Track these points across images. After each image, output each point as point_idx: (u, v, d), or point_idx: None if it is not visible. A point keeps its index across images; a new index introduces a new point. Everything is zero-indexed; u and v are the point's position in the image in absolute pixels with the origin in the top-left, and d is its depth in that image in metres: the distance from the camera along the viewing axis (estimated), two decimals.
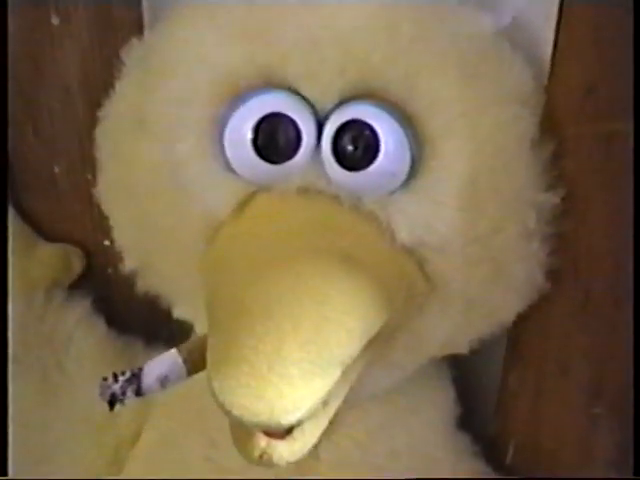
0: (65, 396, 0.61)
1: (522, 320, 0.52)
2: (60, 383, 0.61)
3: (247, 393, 0.38)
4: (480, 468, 0.57)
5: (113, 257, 0.56)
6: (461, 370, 0.59)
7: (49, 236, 0.63)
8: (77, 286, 0.63)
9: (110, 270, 0.63)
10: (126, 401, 0.42)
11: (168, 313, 0.55)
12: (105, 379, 0.42)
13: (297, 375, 0.38)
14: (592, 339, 0.52)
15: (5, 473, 0.49)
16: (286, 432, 0.42)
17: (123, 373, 0.42)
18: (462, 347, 0.52)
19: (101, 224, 0.57)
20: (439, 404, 0.58)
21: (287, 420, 0.38)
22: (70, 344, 0.61)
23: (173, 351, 0.43)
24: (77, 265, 0.63)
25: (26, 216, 0.63)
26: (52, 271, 0.62)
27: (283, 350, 0.38)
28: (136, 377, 0.42)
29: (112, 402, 0.42)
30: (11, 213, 0.61)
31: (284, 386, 0.38)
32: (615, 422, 0.53)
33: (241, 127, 0.44)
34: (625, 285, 0.50)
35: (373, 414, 0.55)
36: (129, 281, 0.53)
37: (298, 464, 0.47)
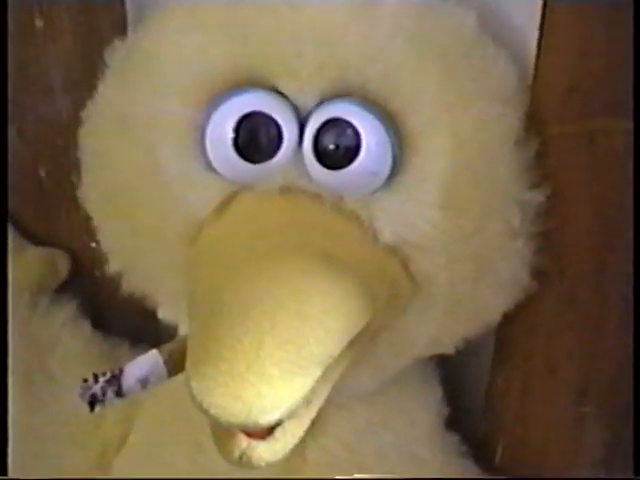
0: (50, 399, 0.60)
1: (509, 320, 0.52)
2: (45, 386, 0.60)
3: (225, 393, 0.37)
4: (468, 468, 0.57)
5: (99, 259, 0.56)
6: (449, 370, 0.59)
7: (35, 239, 0.63)
8: (63, 289, 0.63)
9: (96, 272, 0.62)
10: (107, 402, 0.42)
11: (154, 315, 0.55)
12: (85, 380, 0.42)
13: (276, 375, 0.38)
14: (579, 338, 0.52)
15: (5, 473, 0.49)
16: (267, 432, 0.42)
17: (104, 374, 0.42)
18: (448, 347, 0.52)
19: (87, 226, 0.56)
20: (426, 404, 0.57)
21: (265, 420, 0.38)
22: (56, 347, 0.61)
23: (154, 352, 0.43)
24: (63, 269, 0.63)
25: (11, 219, 0.63)
26: (38, 275, 0.62)
27: (262, 349, 0.38)
28: (116, 378, 0.42)
29: (92, 403, 0.42)
30: None
31: (262, 386, 0.37)
32: (603, 420, 0.53)
33: (222, 127, 0.44)
34: (610, 283, 0.50)
35: (360, 414, 0.55)
36: (115, 283, 0.53)
37: (285, 465, 0.47)
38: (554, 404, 0.55)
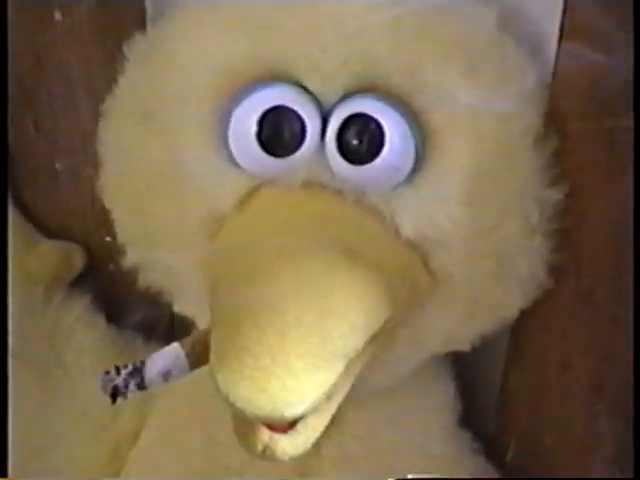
0: (65, 392, 0.60)
1: (523, 317, 0.52)
2: (60, 379, 0.61)
3: (250, 385, 0.37)
4: (481, 465, 0.57)
5: (114, 253, 0.56)
6: (462, 367, 0.59)
7: (50, 232, 0.63)
8: (78, 282, 0.63)
9: (111, 266, 0.62)
10: (129, 394, 0.42)
11: (168, 309, 0.55)
12: (107, 372, 0.42)
13: (301, 368, 0.38)
14: (593, 336, 0.52)
15: (5, 474, 0.49)
16: (289, 426, 0.42)
17: (126, 366, 0.42)
18: (464, 343, 0.52)
19: (102, 220, 0.57)
20: (440, 401, 0.58)
21: (290, 413, 0.38)
22: (70, 340, 0.61)
23: (176, 345, 0.43)
24: (78, 262, 0.63)
25: (27, 212, 0.63)
26: (52, 268, 0.62)
27: (286, 342, 0.38)
28: (139, 371, 0.42)
29: (114, 395, 0.42)
30: (12, 209, 0.61)
31: (288, 378, 0.38)
32: (616, 419, 0.53)
33: (245, 121, 0.44)
34: (627, 281, 0.50)
35: (374, 411, 0.55)
36: (130, 277, 0.53)
37: (299, 460, 0.47)
38: (568, 402, 0.55)
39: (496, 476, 0.58)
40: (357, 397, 0.48)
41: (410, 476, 0.50)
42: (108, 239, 0.61)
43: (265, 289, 0.40)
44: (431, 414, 0.57)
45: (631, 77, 0.45)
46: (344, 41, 0.44)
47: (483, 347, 0.53)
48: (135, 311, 0.63)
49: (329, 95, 0.45)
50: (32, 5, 0.56)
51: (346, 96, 0.45)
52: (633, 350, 0.49)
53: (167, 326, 0.61)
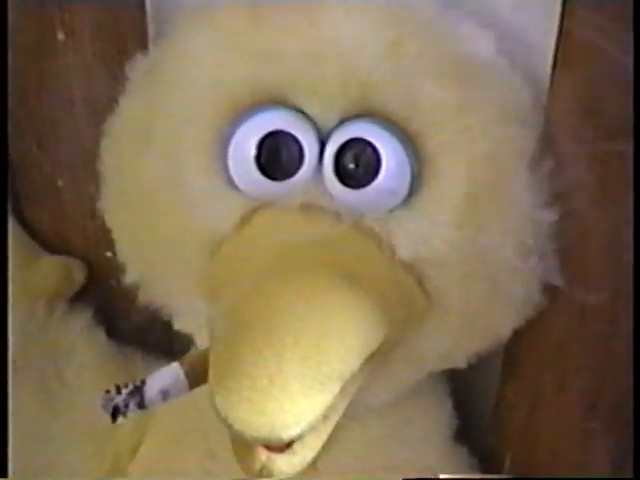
0: (65, 407, 0.61)
1: (519, 334, 0.53)
2: (60, 394, 0.61)
3: (249, 408, 0.38)
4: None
5: (115, 269, 0.56)
6: (458, 383, 0.59)
7: (51, 248, 0.64)
8: (78, 298, 0.64)
9: (112, 282, 0.63)
10: (129, 414, 0.43)
11: (168, 325, 0.56)
12: (108, 391, 0.43)
13: (298, 390, 0.39)
14: (588, 354, 0.53)
15: (5, 475, 0.49)
16: (286, 445, 0.43)
17: (126, 386, 0.43)
18: (460, 362, 0.52)
19: (103, 236, 0.57)
20: (436, 417, 0.58)
21: (288, 434, 0.38)
22: (71, 355, 0.62)
23: (175, 365, 0.44)
24: (79, 277, 0.64)
25: (29, 228, 0.64)
26: (54, 283, 0.62)
27: (284, 365, 0.39)
28: (139, 390, 0.42)
29: (115, 414, 0.43)
30: (14, 225, 0.62)
31: (285, 400, 0.38)
32: (610, 436, 0.54)
33: (244, 144, 0.45)
34: (621, 301, 0.50)
35: (371, 427, 0.56)
36: (130, 293, 0.54)
37: (296, 476, 0.48)
38: (562, 419, 0.55)
39: None
40: (354, 413, 0.48)
41: None
42: (109, 254, 0.61)
43: (262, 311, 0.41)
44: (428, 430, 0.58)
45: (630, 101, 0.46)
46: (343, 67, 0.44)
47: (479, 363, 0.53)
48: (135, 326, 0.63)
49: (327, 120, 0.45)
50: (35, 25, 0.56)
51: (343, 120, 0.45)
52: (632, 364, 0.49)
53: (166, 342, 0.62)
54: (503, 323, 0.51)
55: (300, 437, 0.40)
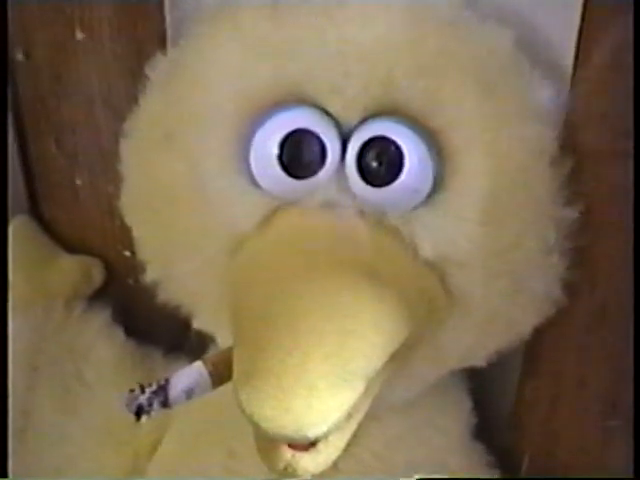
0: (84, 406, 0.61)
1: (539, 332, 0.53)
2: (80, 393, 0.61)
3: (274, 406, 0.38)
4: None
5: (133, 268, 0.56)
6: (477, 381, 0.59)
7: (70, 247, 0.64)
8: (97, 297, 0.64)
9: (130, 281, 0.63)
10: (152, 413, 0.43)
11: (187, 324, 0.56)
12: (132, 390, 0.43)
13: (323, 388, 0.39)
14: (608, 352, 0.53)
15: (5, 475, 0.49)
16: (310, 444, 0.43)
17: (150, 385, 0.43)
18: (480, 360, 0.52)
19: (121, 235, 0.57)
20: (456, 415, 0.58)
21: (314, 433, 0.38)
22: (90, 354, 0.62)
23: (199, 363, 0.44)
24: (97, 276, 0.64)
25: (47, 227, 0.64)
26: (72, 282, 0.63)
27: (309, 363, 0.39)
28: (163, 389, 0.42)
29: (139, 413, 0.43)
30: (33, 224, 0.62)
31: (311, 399, 0.38)
32: (631, 435, 0.53)
33: (267, 143, 0.45)
34: None
35: (391, 425, 0.56)
36: (148, 292, 0.54)
37: (316, 475, 0.48)
38: (582, 417, 0.55)
39: None
40: (374, 412, 0.48)
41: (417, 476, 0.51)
42: (127, 253, 0.62)
43: (287, 309, 0.41)
44: (448, 428, 0.58)
45: None
46: (364, 65, 0.44)
47: (498, 362, 0.53)
48: (154, 325, 0.63)
49: (349, 118, 0.45)
50: (54, 25, 0.56)
51: (366, 119, 0.45)
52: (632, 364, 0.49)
53: (186, 340, 0.62)
54: (524, 320, 0.51)
55: (325, 436, 0.40)
